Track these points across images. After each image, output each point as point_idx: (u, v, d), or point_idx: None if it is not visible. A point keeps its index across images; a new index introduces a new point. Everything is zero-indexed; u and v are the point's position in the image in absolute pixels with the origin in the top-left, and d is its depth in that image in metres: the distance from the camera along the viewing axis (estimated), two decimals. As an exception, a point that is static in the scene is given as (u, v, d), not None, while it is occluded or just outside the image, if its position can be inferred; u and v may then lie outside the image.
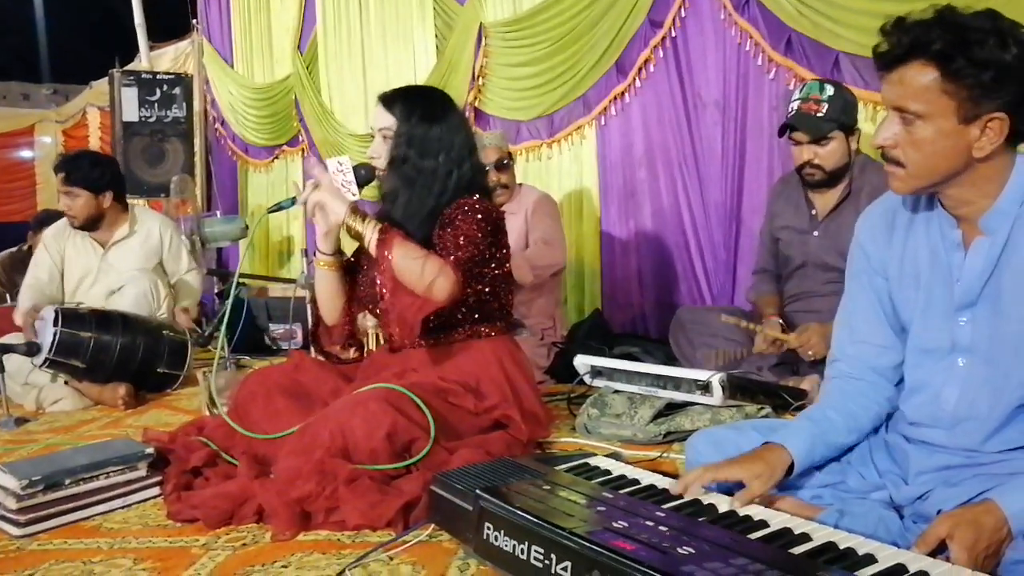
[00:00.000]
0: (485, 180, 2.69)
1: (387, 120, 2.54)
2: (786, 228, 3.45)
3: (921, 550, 1.44)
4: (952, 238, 1.70)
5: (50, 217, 5.65)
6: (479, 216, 2.49)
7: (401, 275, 2.34)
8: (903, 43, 1.57)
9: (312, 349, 2.89)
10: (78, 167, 4.15)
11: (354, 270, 2.72)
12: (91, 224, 4.23)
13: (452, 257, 2.40)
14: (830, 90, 3.18)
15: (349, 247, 2.70)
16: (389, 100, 2.57)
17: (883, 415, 1.90)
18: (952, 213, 1.70)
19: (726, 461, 1.78)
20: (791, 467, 1.76)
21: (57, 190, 4.23)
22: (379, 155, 2.56)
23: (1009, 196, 1.62)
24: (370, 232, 2.40)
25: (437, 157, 2.52)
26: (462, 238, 2.45)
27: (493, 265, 2.59)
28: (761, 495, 1.70)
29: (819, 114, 3.15)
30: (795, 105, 3.21)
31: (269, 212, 2.56)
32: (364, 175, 2.55)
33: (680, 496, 1.74)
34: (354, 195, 2.52)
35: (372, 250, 2.39)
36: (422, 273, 2.32)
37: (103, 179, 4.18)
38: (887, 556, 1.43)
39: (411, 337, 2.43)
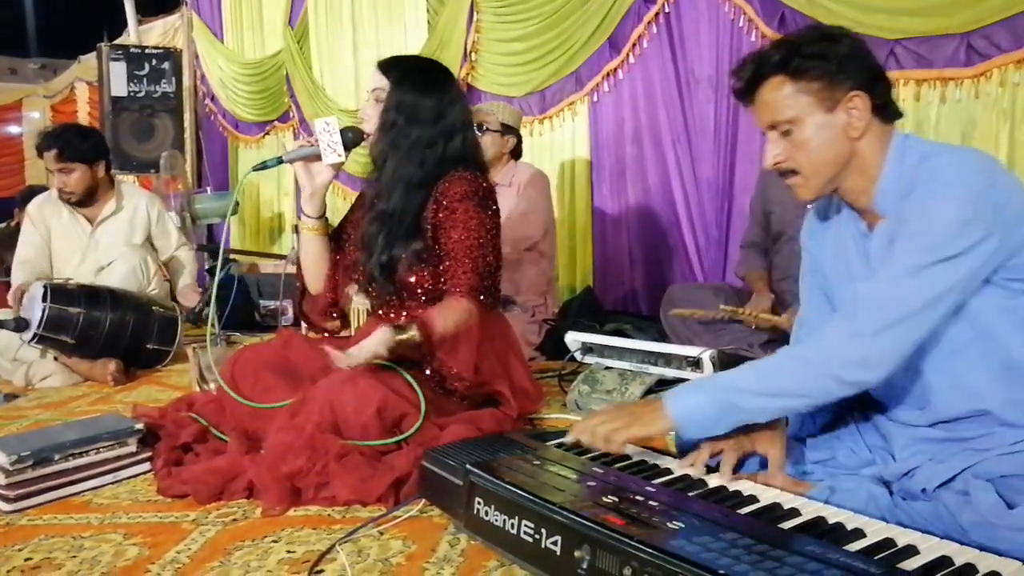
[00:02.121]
0: (480, 156, 2.66)
1: (380, 82, 2.52)
2: (778, 202, 3.45)
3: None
4: (860, 228, 1.81)
5: (34, 193, 5.61)
6: (477, 204, 2.48)
7: (447, 334, 2.38)
8: (749, 71, 1.75)
9: (303, 325, 2.88)
10: (68, 141, 4.10)
11: (339, 238, 2.71)
12: (88, 198, 4.20)
13: (466, 287, 2.44)
14: None
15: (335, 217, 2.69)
16: (386, 64, 2.56)
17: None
18: (854, 207, 1.80)
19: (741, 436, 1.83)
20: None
21: (47, 169, 4.18)
22: (368, 117, 2.54)
23: (888, 175, 1.71)
24: (411, 332, 2.34)
25: (423, 126, 2.49)
26: (462, 251, 2.45)
27: (490, 253, 2.57)
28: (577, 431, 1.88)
29: None
30: None
31: (254, 170, 2.55)
32: (351, 137, 2.52)
33: (622, 455, 1.86)
34: (340, 155, 2.50)
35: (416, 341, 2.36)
36: (457, 323, 2.39)
37: (95, 149, 4.17)
38: (875, 531, 1.44)
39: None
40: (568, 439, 1.85)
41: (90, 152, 4.14)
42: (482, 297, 2.47)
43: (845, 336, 1.63)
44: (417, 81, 2.52)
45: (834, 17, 3.60)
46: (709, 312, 3.41)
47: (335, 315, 2.76)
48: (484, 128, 3.88)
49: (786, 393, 1.69)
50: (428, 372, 2.41)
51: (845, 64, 1.68)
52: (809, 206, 1.98)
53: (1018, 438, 1.63)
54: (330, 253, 2.69)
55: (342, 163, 2.53)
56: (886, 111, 1.72)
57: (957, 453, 1.67)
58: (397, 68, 2.54)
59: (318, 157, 2.51)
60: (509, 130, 3.96)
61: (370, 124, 2.53)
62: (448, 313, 2.38)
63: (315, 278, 2.70)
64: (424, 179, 2.50)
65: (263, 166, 2.55)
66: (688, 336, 3.51)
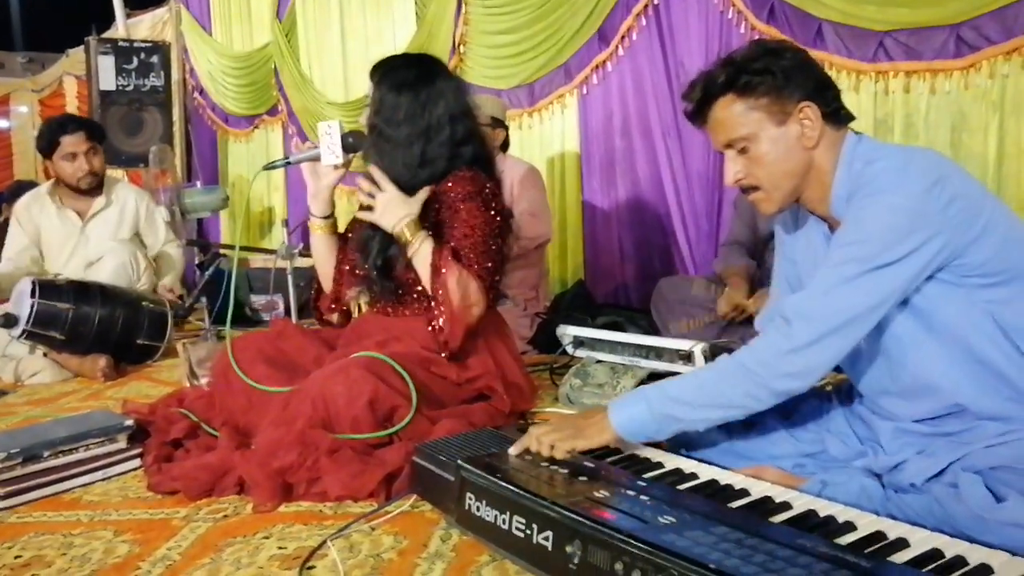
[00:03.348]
0: (480, 149, 2.63)
1: (368, 86, 2.54)
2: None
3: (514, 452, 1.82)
4: (823, 232, 1.84)
5: (22, 189, 5.59)
6: (481, 203, 2.47)
7: (451, 297, 2.38)
8: (698, 93, 1.79)
9: (316, 313, 2.88)
10: (91, 125, 4.28)
11: (346, 238, 2.75)
12: (101, 182, 4.28)
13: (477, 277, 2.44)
14: None
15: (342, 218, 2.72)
16: (373, 67, 2.56)
17: None
18: (816, 215, 1.83)
19: None
20: None
21: (68, 156, 4.15)
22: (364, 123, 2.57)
23: (839, 180, 1.74)
24: (419, 243, 2.41)
25: (401, 127, 2.47)
26: (474, 252, 2.45)
27: (496, 254, 2.56)
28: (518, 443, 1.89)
29: None
30: None
31: (265, 169, 2.68)
32: (351, 142, 2.54)
33: (614, 449, 1.88)
34: (338, 157, 2.54)
35: (422, 267, 2.41)
36: (466, 301, 2.39)
37: (104, 132, 4.36)
38: (866, 524, 1.44)
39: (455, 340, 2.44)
40: (513, 450, 1.84)
41: (104, 134, 4.33)
42: (487, 286, 2.47)
43: (781, 351, 1.66)
44: (393, 82, 2.51)
45: (824, 9, 3.60)
46: (700, 320, 3.42)
47: (336, 309, 2.79)
48: None
49: (722, 405, 1.74)
50: (433, 326, 2.42)
51: (791, 76, 1.71)
52: None
53: (1003, 430, 1.64)
54: (337, 251, 2.73)
55: (344, 166, 2.57)
56: (837, 117, 1.75)
57: (944, 447, 1.67)
58: (379, 70, 2.55)
59: (319, 158, 2.55)
60: (498, 123, 3.93)
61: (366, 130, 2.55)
62: (463, 285, 2.39)
63: (325, 275, 2.76)
64: (413, 180, 2.47)
65: (272, 166, 2.69)
66: (676, 329, 3.51)
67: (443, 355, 2.46)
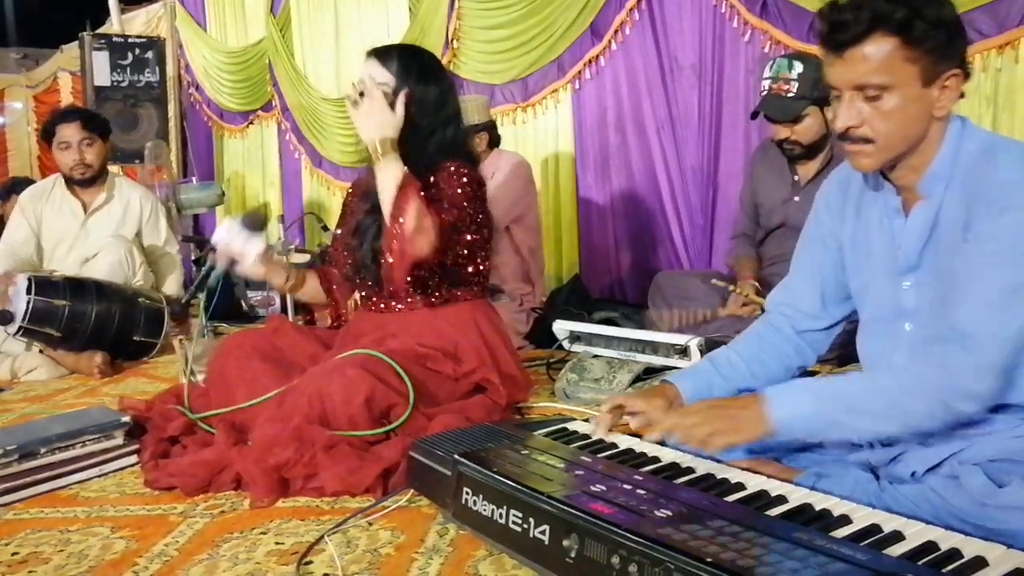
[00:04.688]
0: (471, 144, 2.68)
1: (381, 74, 2.50)
2: (767, 192, 3.46)
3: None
4: (893, 205, 1.73)
5: (18, 185, 5.57)
6: (464, 179, 2.50)
7: (406, 214, 2.32)
8: (863, 19, 1.54)
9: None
10: (89, 115, 4.26)
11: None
12: (99, 175, 4.26)
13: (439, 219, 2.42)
14: (799, 66, 3.15)
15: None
16: (384, 54, 2.54)
17: (792, 368, 1.99)
18: (896, 183, 1.71)
19: (631, 395, 1.97)
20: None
21: (61, 145, 4.15)
22: None
23: (943, 158, 1.64)
24: (391, 161, 2.38)
25: (428, 116, 2.51)
26: (446, 202, 2.45)
27: (473, 230, 2.57)
28: (657, 424, 1.78)
29: (789, 94, 3.14)
30: (765, 85, 3.21)
31: (199, 291, 2.66)
32: (253, 223, 2.50)
33: (610, 444, 1.87)
34: (261, 245, 2.50)
35: (387, 183, 2.36)
36: (419, 222, 2.32)
37: (107, 126, 4.32)
38: (862, 517, 1.45)
39: (400, 275, 2.42)
40: (651, 436, 1.69)
41: (105, 127, 4.28)
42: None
43: (971, 367, 1.53)
44: (422, 71, 2.53)
45: (817, 3, 3.58)
46: (698, 312, 3.42)
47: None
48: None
49: (899, 419, 1.60)
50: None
51: (954, 36, 1.57)
52: (829, 177, 1.94)
53: (1005, 424, 1.63)
54: (320, 281, 2.77)
55: (270, 247, 2.52)
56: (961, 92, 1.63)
57: (944, 438, 1.67)
58: (399, 59, 2.52)
59: (242, 255, 2.51)
60: (479, 128, 3.85)
61: None
62: (423, 209, 2.35)
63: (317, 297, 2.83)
64: (424, 168, 2.49)
65: (205, 286, 2.65)
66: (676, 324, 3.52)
67: (386, 291, 2.50)
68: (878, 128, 1.59)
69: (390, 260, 2.37)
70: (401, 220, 2.31)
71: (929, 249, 1.68)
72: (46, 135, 4.21)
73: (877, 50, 1.55)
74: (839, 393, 1.63)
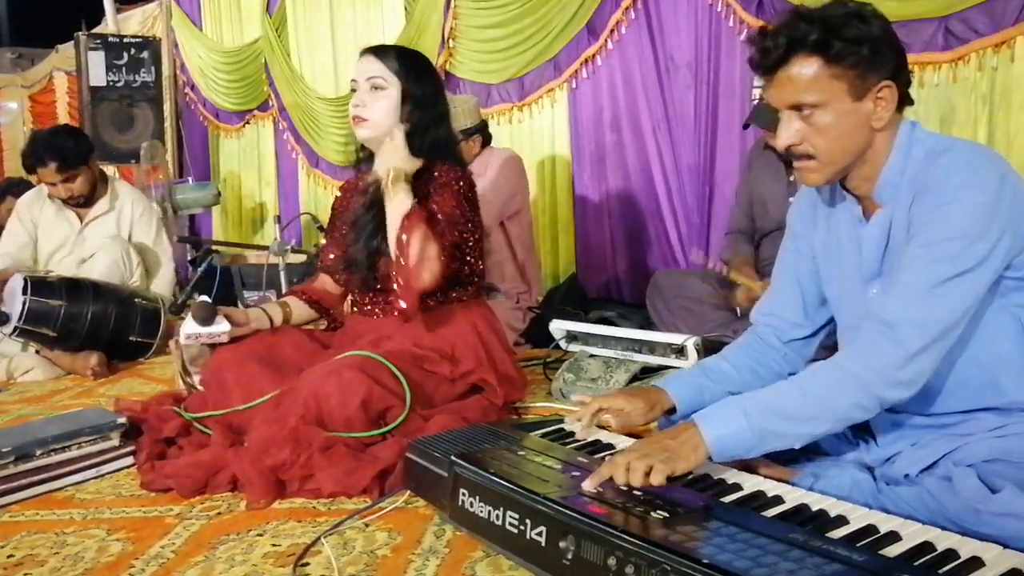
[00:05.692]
0: (458, 143, 2.69)
1: (379, 70, 2.50)
2: (763, 192, 3.46)
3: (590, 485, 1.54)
4: (855, 213, 1.78)
5: (13, 186, 5.57)
6: (456, 189, 2.51)
7: (410, 247, 2.35)
8: (780, 44, 1.62)
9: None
10: (66, 150, 4.05)
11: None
12: (91, 196, 4.20)
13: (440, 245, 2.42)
14: None
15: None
16: (382, 51, 2.55)
17: (782, 375, 1.98)
18: (853, 193, 1.76)
19: (612, 394, 1.98)
20: (672, 411, 1.92)
21: (42, 181, 4.13)
22: (364, 103, 2.51)
23: (893, 166, 1.68)
24: (401, 193, 2.41)
25: (424, 112, 2.53)
26: (443, 218, 2.46)
27: (468, 230, 2.58)
28: (636, 424, 1.87)
29: None
30: (757, 93, 3.21)
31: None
32: (205, 314, 2.48)
33: (594, 443, 1.88)
34: (225, 330, 2.50)
35: (394, 214, 2.39)
36: (422, 252, 2.35)
37: (88, 149, 4.17)
38: (859, 517, 1.45)
39: (413, 302, 2.43)
40: (589, 484, 1.54)
41: (86, 153, 4.13)
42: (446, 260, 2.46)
43: (894, 358, 1.56)
44: (418, 69, 2.55)
45: (813, 2, 3.59)
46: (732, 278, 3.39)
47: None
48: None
49: (829, 418, 1.62)
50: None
51: (880, 51, 1.61)
52: (801, 190, 1.97)
53: (999, 423, 1.64)
54: (304, 306, 2.77)
55: (229, 330, 2.51)
56: (903, 100, 1.67)
57: (938, 439, 1.68)
58: (398, 57, 2.54)
59: (217, 340, 2.52)
60: (472, 131, 3.83)
61: (367, 111, 2.51)
62: (427, 245, 2.38)
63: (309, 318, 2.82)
64: (425, 163, 2.51)
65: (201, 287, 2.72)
66: (673, 323, 3.52)
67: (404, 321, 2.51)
68: (817, 144, 1.65)
69: (397, 289, 2.40)
70: (407, 252, 2.35)
71: (889, 255, 1.71)
72: (29, 170, 4.16)
73: (800, 71, 1.62)
74: (769, 404, 1.62)
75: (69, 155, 4.05)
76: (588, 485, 1.53)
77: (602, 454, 1.80)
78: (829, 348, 2.04)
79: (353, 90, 2.53)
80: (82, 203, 4.19)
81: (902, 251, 1.65)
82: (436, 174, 2.52)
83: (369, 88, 2.50)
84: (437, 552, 1.72)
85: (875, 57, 1.60)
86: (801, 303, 1.96)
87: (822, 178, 1.70)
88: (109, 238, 4.18)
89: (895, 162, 1.67)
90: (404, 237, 2.35)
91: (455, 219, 2.49)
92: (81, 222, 4.24)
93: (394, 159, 2.44)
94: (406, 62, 2.54)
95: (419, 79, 2.54)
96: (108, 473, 2.30)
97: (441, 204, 2.48)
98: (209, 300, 2.50)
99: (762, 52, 1.66)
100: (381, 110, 2.50)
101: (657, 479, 1.51)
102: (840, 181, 1.75)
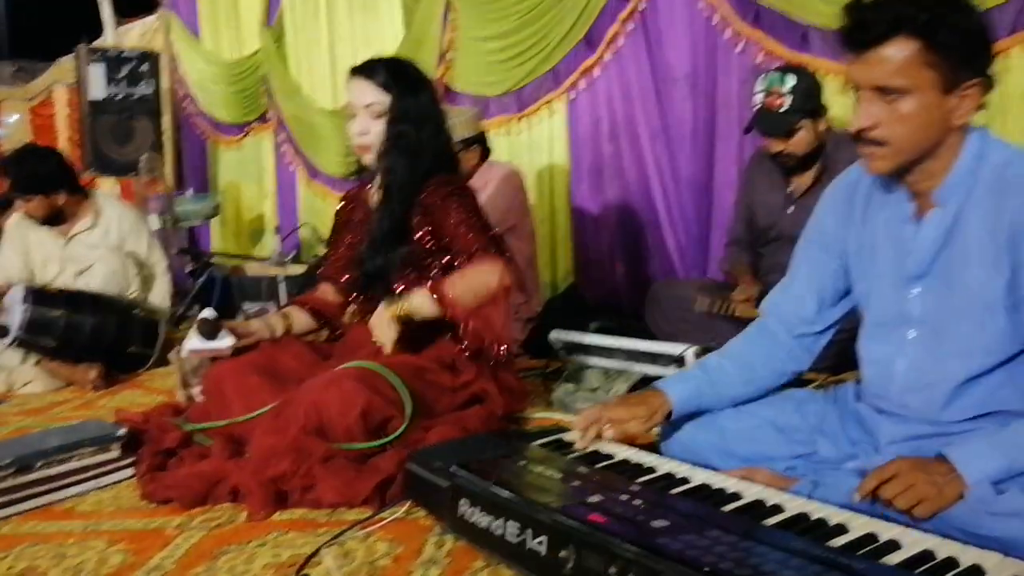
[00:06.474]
0: (455, 154, 2.70)
1: (375, 95, 2.50)
2: (762, 202, 3.46)
3: (861, 493, 1.54)
4: (906, 211, 1.73)
5: (10, 201, 5.57)
6: (456, 203, 2.52)
7: (468, 303, 2.42)
8: (884, 20, 1.54)
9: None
10: (24, 174, 4.02)
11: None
12: (52, 220, 4.15)
13: (478, 247, 2.47)
14: (791, 80, 3.16)
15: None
16: (370, 70, 2.53)
17: (786, 373, 1.99)
18: (911, 188, 1.71)
19: (613, 403, 1.97)
20: (671, 413, 1.92)
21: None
22: (367, 131, 2.52)
23: (961, 167, 1.64)
24: (411, 303, 2.44)
25: (420, 125, 2.52)
26: (463, 226, 2.49)
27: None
28: (636, 434, 1.89)
29: (782, 108, 3.14)
30: (758, 99, 3.22)
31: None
32: (209, 330, 2.51)
33: (599, 454, 1.87)
34: (229, 342, 2.52)
35: (427, 309, 2.44)
36: (477, 288, 2.43)
37: (51, 179, 4.06)
38: (858, 525, 1.45)
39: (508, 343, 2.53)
40: (858, 495, 1.57)
41: (45, 183, 4.04)
42: (496, 251, 2.49)
43: None
44: (410, 82, 2.54)
45: (809, 14, 3.61)
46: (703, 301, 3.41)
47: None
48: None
49: None
50: (465, 345, 2.47)
51: (977, 47, 1.57)
52: (832, 185, 1.95)
53: (992, 428, 1.64)
54: (306, 316, 2.78)
55: (233, 344, 2.53)
56: (982, 104, 1.62)
57: (942, 446, 1.67)
58: (387, 72, 2.53)
59: (221, 354, 2.54)
60: (471, 142, 3.82)
61: (370, 137, 2.52)
62: (464, 279, 2.43)
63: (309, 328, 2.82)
64: (424, 175, 2.53)
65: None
66: (673, 333, 3.51)
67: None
68: (894, 131, 1.59)
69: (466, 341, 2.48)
70: (460, 314, 2.44)
71: (942, 258, 1.68)
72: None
73: (898, 52, 1.54)
74: (1019, 439, 1.56)
75: (22, 180, 4.03)
76: (858, 496, 1.57)
77: (603, 463, 1.81)
78: (837, 345, 2.05)
79: (351, 115, 2.54)
80: (40, 223, 4.14)
81: (969, 260, 1.63)
82: (425, 196, 2.53)
83: (370, 116, 2.51)
84: (438, 562, 1.72)
85: (974, 52, 1.56)
86: (817, 298, 1.94)
87: (889, 167, 1.64)
88: (107, 249, 4.17)
89: (964, 164, 1.63)
90: (455, 312, 2.43)
91: (473, 219, 2.52)
92: (64, 238, 4.22)
93: (385, 334, 2.46)
94: (395, 75, 2.53)
95: (411, 89, 2.53)
96: (108, 484, 2.30)
97: (454, 220, 2.51)
98: (215, 314, 2.51)
99: (859, 26, 1.57)
100: (385, 135, 2.52)
101: (923, 515, 1.49)
102: (903, 175, 1.69)
